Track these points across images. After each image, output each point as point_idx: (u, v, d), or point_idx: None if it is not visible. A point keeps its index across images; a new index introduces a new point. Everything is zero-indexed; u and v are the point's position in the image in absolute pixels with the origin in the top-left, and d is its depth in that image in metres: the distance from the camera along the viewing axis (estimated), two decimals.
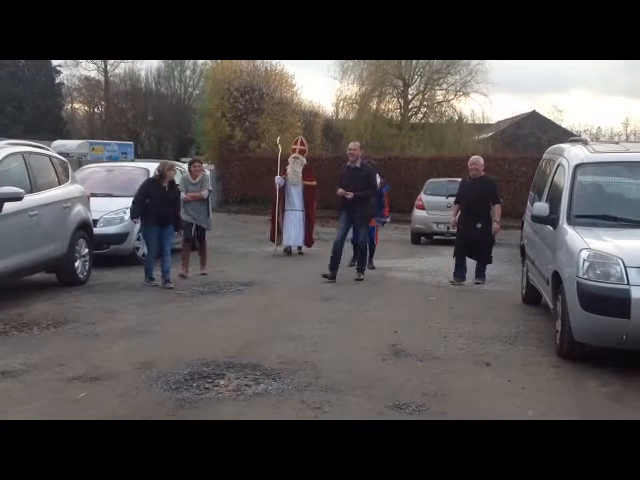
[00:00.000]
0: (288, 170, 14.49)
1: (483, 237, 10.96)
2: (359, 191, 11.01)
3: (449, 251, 15.87)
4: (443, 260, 14.23)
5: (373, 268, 12.57)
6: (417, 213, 17.95)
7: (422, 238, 18.08)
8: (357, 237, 11.68)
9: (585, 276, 6.42)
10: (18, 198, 8.48)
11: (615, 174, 7.88)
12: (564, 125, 45.63)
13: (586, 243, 6.63)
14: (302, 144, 14.91)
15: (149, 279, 10.57)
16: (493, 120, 45.93)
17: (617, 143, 8.90)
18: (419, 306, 9.47)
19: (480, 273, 11.22)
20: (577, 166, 7.74)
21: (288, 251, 14.72)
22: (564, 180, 7.81)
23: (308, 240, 14.79)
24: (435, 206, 17.51)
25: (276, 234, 14.62)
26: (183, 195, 11.33)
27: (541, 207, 7.83)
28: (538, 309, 9.18)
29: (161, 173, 10.52)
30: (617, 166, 7.86)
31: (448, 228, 17.52)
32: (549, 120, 45.32)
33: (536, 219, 7.91)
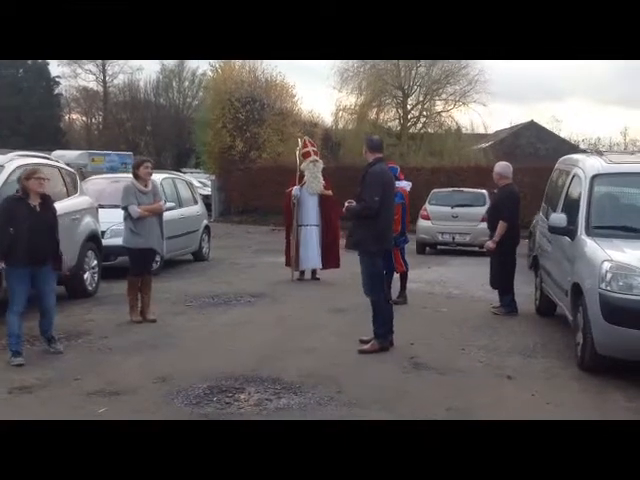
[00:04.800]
0: (306, 177, 12.25)
1: (494, 258, 9.70)
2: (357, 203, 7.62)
3: (456, 261, 15.98)
4: (450, 270, 14.19)
5: (404, 302, 10.21)
6: (422, 223, 17.84)
7: (427, 248, 18.00)
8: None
9: (608, 288, 6.36)
10: None
11: (633, 185, 7.83)
12: (562, 135, 45.70)
13: (607, 254, 6.58)
14: (312, 144, 12.70)
15: (13, 353, 6.96)
16: (491, 130, 46.07)
17: (632, 154, 8.89)
18: (432, 317, 9.40)
19: (501, 301, 9.70)
20: (594, 177, 7.69)
21: (300, 278, 12.47)
22: (581, 191, 7.76)
23: (334, 261, 12.37)
24: (440, 216, 17.45)
25: (293, 257, 12.32)
26: (136, 210, 8.71)
27: (558, 218, 7.76)
28: (553, 320, 9.12)
29: (23, 187, 7.13)
30: (635, 177, 7.82)
31: (453, 238, 17.56)
32: (547, 130, 45.35)
33: (553, 230, 7.84)
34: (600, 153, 8.43)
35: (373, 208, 7.35)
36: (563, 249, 7.87)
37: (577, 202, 7.74)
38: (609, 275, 6.39)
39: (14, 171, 8.85)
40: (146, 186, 8.97)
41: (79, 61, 53.76)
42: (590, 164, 8.03)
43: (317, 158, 12.43)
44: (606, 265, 6.45)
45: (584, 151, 8.93)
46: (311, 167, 12.32)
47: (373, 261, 7.64)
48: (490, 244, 9.48)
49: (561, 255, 8.00)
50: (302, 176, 12.37)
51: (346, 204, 7.75)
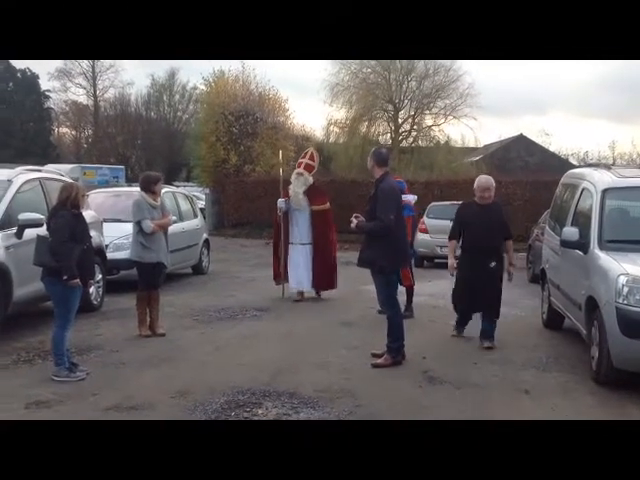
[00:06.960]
0: (290, 191, 11.68)
1: (494, 282, 8.46)
2: (370, 221, 7.49)
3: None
4: (451, 284, 14.13)
5: (411, 316, 10.08)
6: (420, 237, 17.75)
7: (425, 262, 18.01)
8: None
9: (625, 302, 6.38)
10: (39, 224, 8.32)
11: None
12: (551, 149, 46.02)
13: (623, 268, 6.59)
14: (311, 158, 11.87)
15: (67, 369, 6.87)
16: (481, 143, 46.35)
17: None
18: (440, 331, 9.38)
19: (490, 333, 8.52)
20: (605, 191, 7.71)
21: (299, 298, 11.65)
22: (591, 205, 7.78)
23: (329, 281, 11.78)
24: (438, 229, 17.37)
25: (282, 273, 11.77)
26: (149, 225, 8.64)
27: (571, 232, 7.77)
28: (561, 333, 9.15)
29: (75, 204, 6.91)
30: None
31: None
32: (536, 143, 45.67)
33: (565, 244, 7.83)
34: (608, 167, 8.46)
35: (389, 226, 7.30)
36: (575, 263, 7.88)
37: (588, 216, 7.76)
38: (626, 289, 6.40)
39: (23, 185, 8.86)
40: (155, 200, 8.94)
41: (69, 75, 53.91)
42: (600, 178, 8.06)
43: (302, 171, 11.62)
44: (622, 279, 6.47)
45: (589, 165, 8.94)
46: (293, 179, 11.75)
47: (387, 279, 7.60)
48: (511, 270, 8.57)
49: (573, 269, 8.01)
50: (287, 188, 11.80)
51: (354, 220, 7.61)
